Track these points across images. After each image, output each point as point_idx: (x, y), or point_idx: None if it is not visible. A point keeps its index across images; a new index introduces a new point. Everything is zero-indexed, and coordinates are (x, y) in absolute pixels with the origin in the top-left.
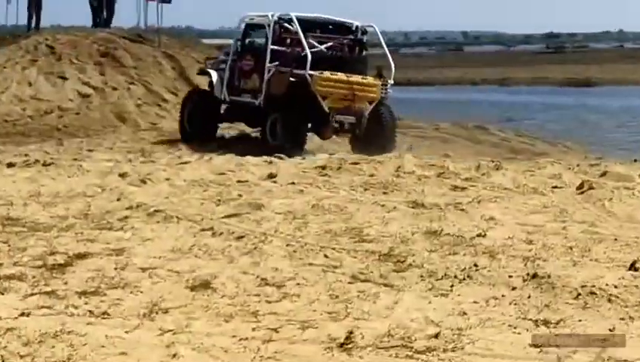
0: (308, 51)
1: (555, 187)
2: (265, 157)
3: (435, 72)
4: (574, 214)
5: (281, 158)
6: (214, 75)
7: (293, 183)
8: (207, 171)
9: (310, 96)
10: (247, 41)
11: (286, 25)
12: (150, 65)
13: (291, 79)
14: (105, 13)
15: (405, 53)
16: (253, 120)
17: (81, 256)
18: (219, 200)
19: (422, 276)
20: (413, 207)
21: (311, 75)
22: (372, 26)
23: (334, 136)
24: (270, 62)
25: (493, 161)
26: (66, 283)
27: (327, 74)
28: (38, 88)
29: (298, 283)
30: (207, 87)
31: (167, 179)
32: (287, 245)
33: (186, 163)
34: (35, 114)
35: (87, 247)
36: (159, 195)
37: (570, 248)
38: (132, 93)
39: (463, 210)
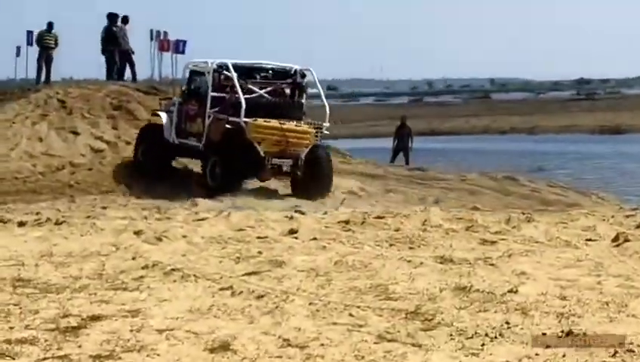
0: (242, 99)
1: (589, 239)
2: (285, 213)
3: (461, 120)
4: (610, 268)
5: (302, 213)
6: (164, 117)
7: (315, 239)
8: (226, 227)
9: (246, 142)
10: (192, 86)
11: (225, 72)
12: None
13: (227, 126)
14: (126, 67)
15: (429, 101)
16: (200, 160)
17: (96, 318)
18: (238, 258)
19: (451, 335)
20: (441, 263)
21: (246, 123)
22: (309, 70)
23: (274, 179)
24: (211, 107)
25: (523, 213)
26: (79, 347)
27: (260, 121)
28: (49, 144)
29: (322, 344)
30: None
31: (184, 237)
32: (310, 304)
33: (203, 219)
34: (46, 170)
35: (101, 309)
36: (176, 253)
37: (606, 303)
38: None
39: (493, 264)
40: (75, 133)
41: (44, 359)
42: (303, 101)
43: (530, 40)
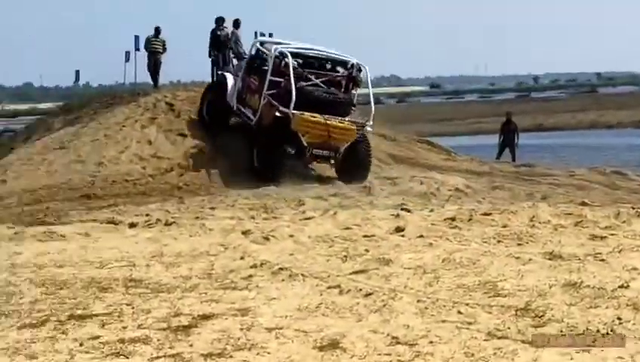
0: (293, 92)
1: None
2: (391, 211)
3: (567, 116)
4: None
5: (408, 211)
6: (230, 79)
7: (422, 236)
8: (332, 226)
9: (291, 132)
10: (257, 63)
11: (285, 60)
12: None
13: (277, 114)
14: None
15: (535, 97)
16: (248, 132)
17: (206, 317)
18: (345, 256)
19: (562, 331)
20: (550, 259)
21: (293, 114)
22: (364, 67)
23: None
24: (268, 89)
25: (633, 208)
26: (191, 346)
27: (307, 115)
28: (158, 146)
29: (431, 341)
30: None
31: (291, 236)
32: (418, 301)
33: (310, 218)
34: (155, 172)
35: (211, 308)
36: (283, 252)
37: None
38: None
39: (603, 260)
40: (183, 136)
41: (157, 358)
42: (354, 94)
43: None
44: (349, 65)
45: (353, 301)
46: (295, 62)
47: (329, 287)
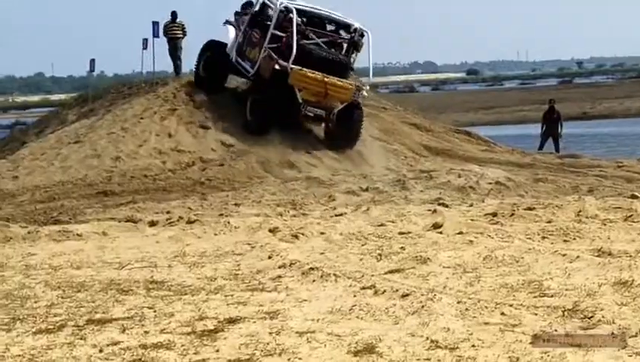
0: (294, 46)
1: None
2: (428, 206)
3: (614, 102)
4: None
5: (446, 206)
6: (232, 32)
7: (461, 233)
8: (365, 223)
9: (288, 87)
10: (260, 16)
11: (289, 15)
12: None
13: (276, 67)
14: None
15: (579, 83)
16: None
17: (233, 321)
18: (379, 255)
19: (613, 333)
20: (598, 256)
21: (291, 68)
22: (367, 32)
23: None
24: (269, 43)
25: None
26: (217, 351)
27: (305, 71)
28: (179, 139)
29: (473, 345)
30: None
31: (322, 234)
32: (459, 302)
33: (341, 215)
34: (176, 167)
35: (238, 311)
36: (314, 251)
37: None
38: (275, 140)
39: None
40: (205, 128)
41: None
42: (354, 58)
43: None
44: (351, 29)
45: (389, 302)
46: (299, 20)
47: (363, 288)
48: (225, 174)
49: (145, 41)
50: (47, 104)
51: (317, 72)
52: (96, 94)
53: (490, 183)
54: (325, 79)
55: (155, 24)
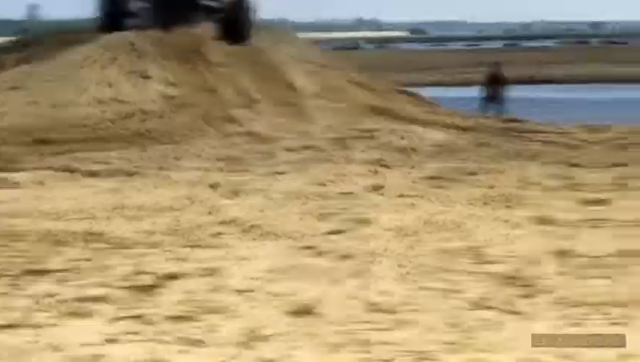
0: None
1: None
2: (369, 166)
3: (562, 67)
4: None
5: (387, 167)
6: None
7: (402, 196)
8: (306, 182)
9: None
10: None
11: None
12: (240, 63)
13: None
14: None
15: (526, 46)
16: None
17: (172, 277)
18: (320, 215)
19: (553, 303)
20: (540, 224)
21: None
22: None
23: None
24: None
25: None
26: (156, 307)
27: None
28: (119, 89)
29: (412, 310)
30: None
31: (262, 191)
32: (399, 266)
33: (281, 173)
34: (115, 117)
35: (177, 267)
36: (254, 209)
37: None
38: (220, 94)
39: (597, 226)
40: (146, 78)
41: (119, 318)
42: None
43: None
44: None
45: (329, 263)
46: None
47: (303, 248)
48: (165, 126)
49: None
50: None
51: None
52: (36, 39)
53: (432, 146)
54: None
55: None
